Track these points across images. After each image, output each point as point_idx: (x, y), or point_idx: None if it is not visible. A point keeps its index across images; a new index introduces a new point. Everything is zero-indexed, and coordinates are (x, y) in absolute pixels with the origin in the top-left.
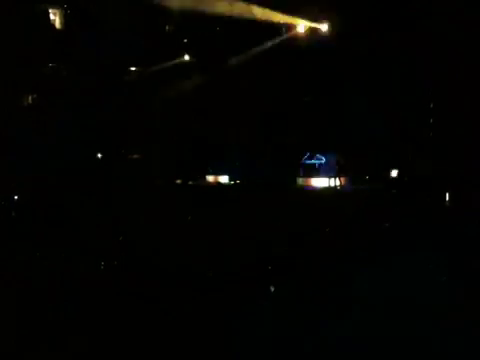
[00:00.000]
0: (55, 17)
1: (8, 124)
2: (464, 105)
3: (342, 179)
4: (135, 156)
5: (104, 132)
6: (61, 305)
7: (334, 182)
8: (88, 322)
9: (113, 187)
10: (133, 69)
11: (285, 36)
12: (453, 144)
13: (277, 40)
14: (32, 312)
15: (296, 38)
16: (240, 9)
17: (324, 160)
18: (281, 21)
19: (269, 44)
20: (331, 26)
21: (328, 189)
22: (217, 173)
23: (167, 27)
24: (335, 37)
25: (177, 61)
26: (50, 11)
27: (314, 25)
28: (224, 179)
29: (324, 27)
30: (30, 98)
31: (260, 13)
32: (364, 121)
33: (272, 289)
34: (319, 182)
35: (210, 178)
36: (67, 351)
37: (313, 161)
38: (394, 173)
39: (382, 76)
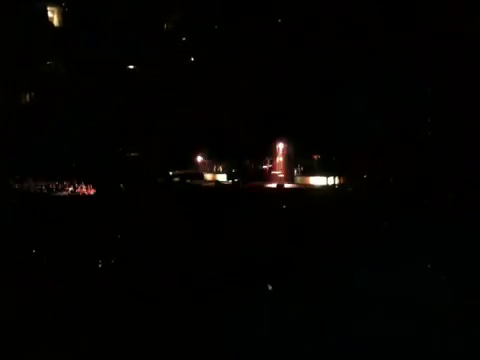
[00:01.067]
0: (54, 16)
1: (7, 123)
2: (464, 105)
3: (341, 178)
4: (133, 154)
5: (102, 130)
6: (59, 302)
7: (332, 181)
8: (87, 320)
9: (111, 185)
10: (132, 67)
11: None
12: (453, 144)
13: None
14: (29, 308)
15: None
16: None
17: None
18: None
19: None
20: (331, 25)
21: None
22: (215, 171)
23: (166, 26)
24: (335, 37)
25: (175, 60)
26: (49, 10)
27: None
28: (222, 177)
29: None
30: (29, 96)
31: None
32: (364, 121)
33: (270, 288)
34: (317, 181)
35: (208, 176)
36: (65, 349)
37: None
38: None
39: (382, 76)
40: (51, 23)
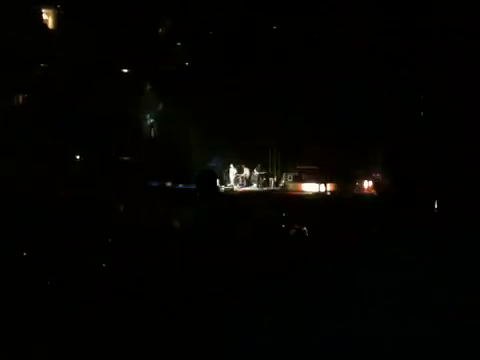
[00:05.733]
0: (48, 18)
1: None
2: (462, 106)
3: (332, 185)
4: (126, 158)
5: (95, 133)
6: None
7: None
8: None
9: (104, 189)
10: (127, 71)
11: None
12: (448, 145)
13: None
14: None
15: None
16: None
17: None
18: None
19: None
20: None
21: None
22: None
23: (161, 30)
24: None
25: (172, 63)
26: (44, 12)
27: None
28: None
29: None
30: (22, 97)
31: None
32: (362, 121)
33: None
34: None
35: None
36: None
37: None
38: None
39: (381, 75)
40: (46, 25)
